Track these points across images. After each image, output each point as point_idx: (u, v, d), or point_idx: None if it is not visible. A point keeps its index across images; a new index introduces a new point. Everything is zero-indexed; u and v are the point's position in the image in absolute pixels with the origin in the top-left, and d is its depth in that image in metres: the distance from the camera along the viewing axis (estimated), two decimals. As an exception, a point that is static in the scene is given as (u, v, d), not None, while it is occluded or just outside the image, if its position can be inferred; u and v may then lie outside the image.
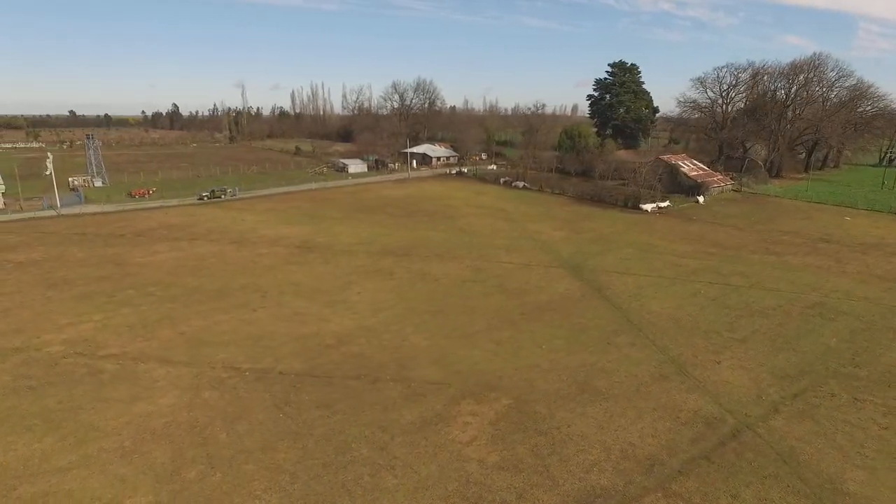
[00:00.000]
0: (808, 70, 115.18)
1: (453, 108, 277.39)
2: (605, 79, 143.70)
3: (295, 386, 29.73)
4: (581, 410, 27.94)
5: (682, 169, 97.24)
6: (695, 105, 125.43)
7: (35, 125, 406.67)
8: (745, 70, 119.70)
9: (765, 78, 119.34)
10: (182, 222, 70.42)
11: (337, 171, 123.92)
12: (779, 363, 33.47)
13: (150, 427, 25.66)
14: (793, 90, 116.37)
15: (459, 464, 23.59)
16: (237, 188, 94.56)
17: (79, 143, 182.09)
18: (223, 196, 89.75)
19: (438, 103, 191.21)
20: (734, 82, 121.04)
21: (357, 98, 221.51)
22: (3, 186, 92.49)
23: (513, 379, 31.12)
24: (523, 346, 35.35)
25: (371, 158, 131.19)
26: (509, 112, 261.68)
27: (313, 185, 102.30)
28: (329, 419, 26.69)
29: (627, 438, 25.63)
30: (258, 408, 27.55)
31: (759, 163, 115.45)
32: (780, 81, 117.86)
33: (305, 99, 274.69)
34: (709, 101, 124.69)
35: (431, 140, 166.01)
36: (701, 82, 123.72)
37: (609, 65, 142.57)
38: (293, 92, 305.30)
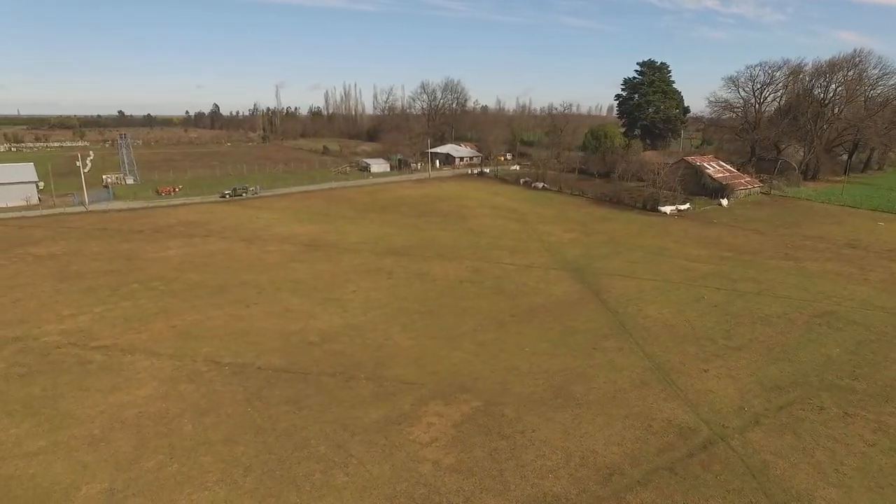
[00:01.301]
0: (847, 67, 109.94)
1: (485, 108, 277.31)
2: (634, 78, 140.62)
3: (269, 381, 30.21)
4: (550, 415, 27.42)
5: (706, 171, 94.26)
6: (726, 105, 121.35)
7: (86, 125, 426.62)
8: (779, 68, 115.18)
9: (801, 76, 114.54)
10: (200, 219, 72.50)
11: (360, 170, 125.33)
12: (771, 373, 32.06)
13: (122, 417, 26.51)
14: (831, 88, 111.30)
15: (414, 464, 23.49)
16: (258, 186, 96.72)
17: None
18: (245, 194, 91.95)
19: (467, 103, 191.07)
20: (768, 81, 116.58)
21: (387, 98, 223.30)
22: (42, 183, 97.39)
23: (488, 381, 30.80)
24: (506, 349, 34.94)
25: (395, 158, 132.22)
26: (538, 112, 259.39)
27: (333, 185, 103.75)
28: (295, 415, 27.00)
29: (591, 446, 25.01)
30: (229, 401, 28.11)
31: (793, 165, 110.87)
32: (818, 80, 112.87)
33: (338, 99, 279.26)
34: (741, 100, 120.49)
35: (459, 140, 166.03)
36: (733, 81, 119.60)
37: (638, 64, 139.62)
38: (327, 92, 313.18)
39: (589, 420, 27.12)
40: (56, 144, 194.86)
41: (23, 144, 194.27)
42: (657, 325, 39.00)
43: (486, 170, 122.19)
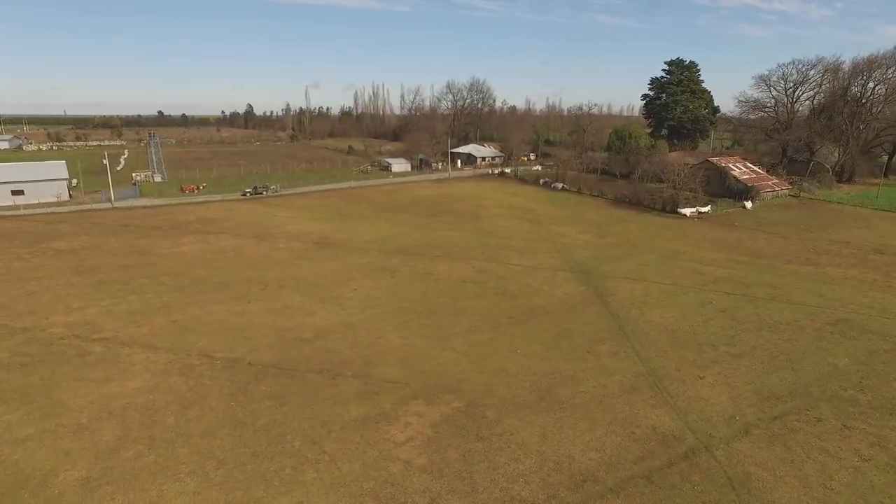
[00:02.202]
0: (888, 64, 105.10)
1: (513, 108, 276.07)
2: (661, 77, 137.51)
3: (257, 376, 30.62)
4: (531, 419, 27.01)
5: (731, 172, 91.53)
6: (756, 104, 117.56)
7: (127, 124, 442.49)
8: (813, 66, 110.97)
9: (839, 74, 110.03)
10: (218, 217, 74.13)
11: (381, 169, 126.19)
12: (770, 382, 30.87)
13: (111, 407, 27.26)
14: (869, 87, 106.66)
15: (385, 463, 23.45)
16: (278, 185, 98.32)
17: (162, 140, 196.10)
18: (265, 192, 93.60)
19: (493, 103, 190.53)
20: (801, 79, 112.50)
21: (414, 98, 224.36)
22: (76, 181, 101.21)
23: (473, 382, 30.55)
24: (497, 350, 34.60)
25: (417, 158, 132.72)
26: (567, 113, 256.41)
27: (353, 184, 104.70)
28: (276, 410, 27.29)
29: (568, 451, 24.51)
30: (215, 395, 28.61)
31: (827, 167, 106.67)
32: (856, 78, 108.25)
33: (367, 99, 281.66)
34: (772, 99, 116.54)
35: (483, 140, 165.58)
36: (764, 80, 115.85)
37: (665, 62, 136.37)
38: (356, 92, 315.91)
39: (571, 425, 26.59)
40: (95, 143, 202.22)
41: (64, 143, 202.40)
42: (658, 330, 38.02)
43: (507, 170, 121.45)
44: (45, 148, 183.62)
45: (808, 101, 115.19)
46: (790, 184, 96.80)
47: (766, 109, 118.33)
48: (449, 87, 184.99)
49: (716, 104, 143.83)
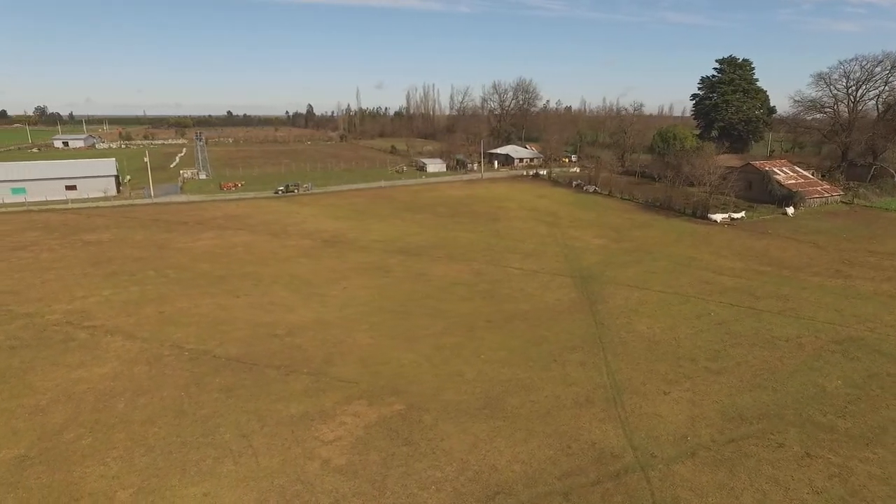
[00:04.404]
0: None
1: (568, 108, 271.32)
2: (712, 76, 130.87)
3: (217, 369, 31.54)
4: (468, 426, 26.38)
5: (775, 176, 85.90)
6: (813, 104, 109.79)
7: (199, 124, 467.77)
8: (879, 62, 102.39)
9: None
10: (243, 213, 77.00)
11: (417, 169, 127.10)
12: (742, 402, 28.74)
13: (72, 391, 28.86)
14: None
15: (303, 461, 23.57)
16: (311, 184, 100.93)
17: (220, 140, 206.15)
18: (296, 191, 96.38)
19: (538, 103, 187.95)
20: (865, 77, 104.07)
21: (462, 99, 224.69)
22: (129, 177, 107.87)
23: (424, 385, 30.19)
24: (461, 354, 34.03)
25: (454, 158, 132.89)
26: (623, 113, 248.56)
27: (383, 183, 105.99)
28: (221, 403, 28.01)
29: (493, 461, 23.76)
30: (170, 385, 29.70)
31: (892, 171, 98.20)
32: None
33: (419, 99, 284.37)
34: (832, 99, 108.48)
35: (528, 141, 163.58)
36: (823, 78, 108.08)
37: (717, 61, 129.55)
38: (408, 93, 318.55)
39: (507, 435, 25.77)
40: (159, 142, 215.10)
41: (132, 142, 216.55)
42: (639, 340, 36.23)
43: (542, 172, 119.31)
44: (114, 146, 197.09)
45: (872, 101, 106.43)
46: (845, 189, 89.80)
47: (825, 110, 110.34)
48: (495, 87, 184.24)
49: (774, 105, 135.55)
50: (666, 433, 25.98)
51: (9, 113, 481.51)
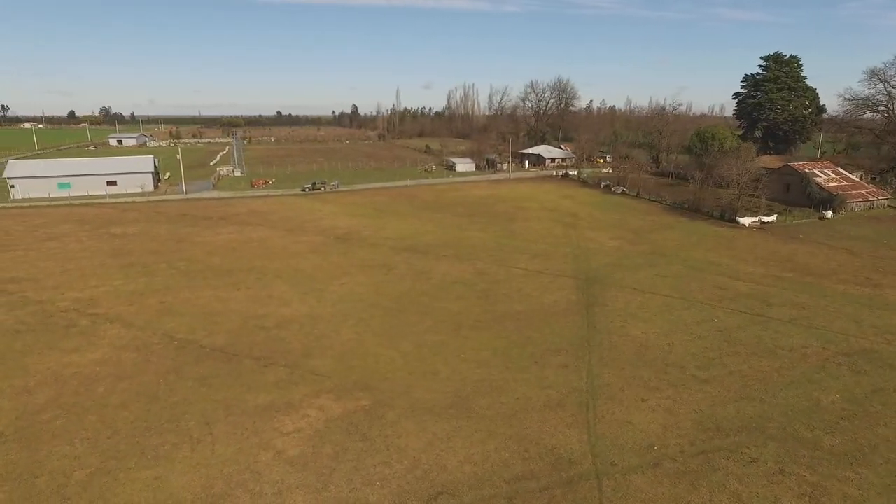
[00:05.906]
0: None
1: (612, 108, 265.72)
2: (756, 74, 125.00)
3: (199, 358, 32.42)
4: (429, 425, 26.10)
5: (816, 178, 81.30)
6: (864, 102, 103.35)
7: (250, 123, 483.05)
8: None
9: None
10: (266, 209, 78.99)
11: (447, 168, 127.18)
12: (723, 413, 27.28)
13: (60, 374, 30.27)
14: None
15: (257, 451, 23.89)
16: (337, 182, 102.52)
17: (263, 139, 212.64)
18: (323, 188, 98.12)
19: (576, 103, 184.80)
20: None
21: (501, 99, 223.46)
22: (168, 174, 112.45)
23: (395, 382, 30.10)
24: (442, 353, 33.74)
25: (485, 157, 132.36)
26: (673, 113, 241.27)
27: (409, 182, 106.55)
28: (194, 391, 28.76)
29: (445, 462, 23.41)
30: (152, 372, 30.72)
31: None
32: None
33: (458, 99, 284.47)
34: (885, 96, 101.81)
35: (564, 141, 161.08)
36: (876, 74, 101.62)
37: (762, 58, 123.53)
38: (448, 93, 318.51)
39: (466, 435, 25.35)
40: (206, 140, 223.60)
41: (179, 140, 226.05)
42: (629, 345, 34.99)
43: (572, 172, 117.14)
44: (164, 144, 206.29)
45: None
46: (894, 193, 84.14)
47: (879, 108, 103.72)
48: (532, 86, 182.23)
49: (824, 104, 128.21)
50: (633, 441, 24.95)
51: (77, 113, 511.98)
